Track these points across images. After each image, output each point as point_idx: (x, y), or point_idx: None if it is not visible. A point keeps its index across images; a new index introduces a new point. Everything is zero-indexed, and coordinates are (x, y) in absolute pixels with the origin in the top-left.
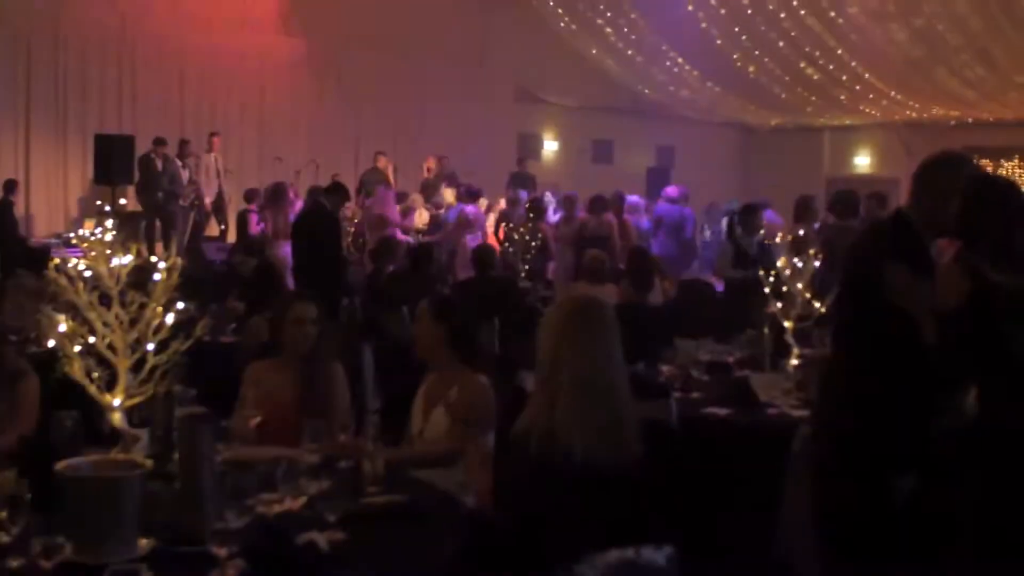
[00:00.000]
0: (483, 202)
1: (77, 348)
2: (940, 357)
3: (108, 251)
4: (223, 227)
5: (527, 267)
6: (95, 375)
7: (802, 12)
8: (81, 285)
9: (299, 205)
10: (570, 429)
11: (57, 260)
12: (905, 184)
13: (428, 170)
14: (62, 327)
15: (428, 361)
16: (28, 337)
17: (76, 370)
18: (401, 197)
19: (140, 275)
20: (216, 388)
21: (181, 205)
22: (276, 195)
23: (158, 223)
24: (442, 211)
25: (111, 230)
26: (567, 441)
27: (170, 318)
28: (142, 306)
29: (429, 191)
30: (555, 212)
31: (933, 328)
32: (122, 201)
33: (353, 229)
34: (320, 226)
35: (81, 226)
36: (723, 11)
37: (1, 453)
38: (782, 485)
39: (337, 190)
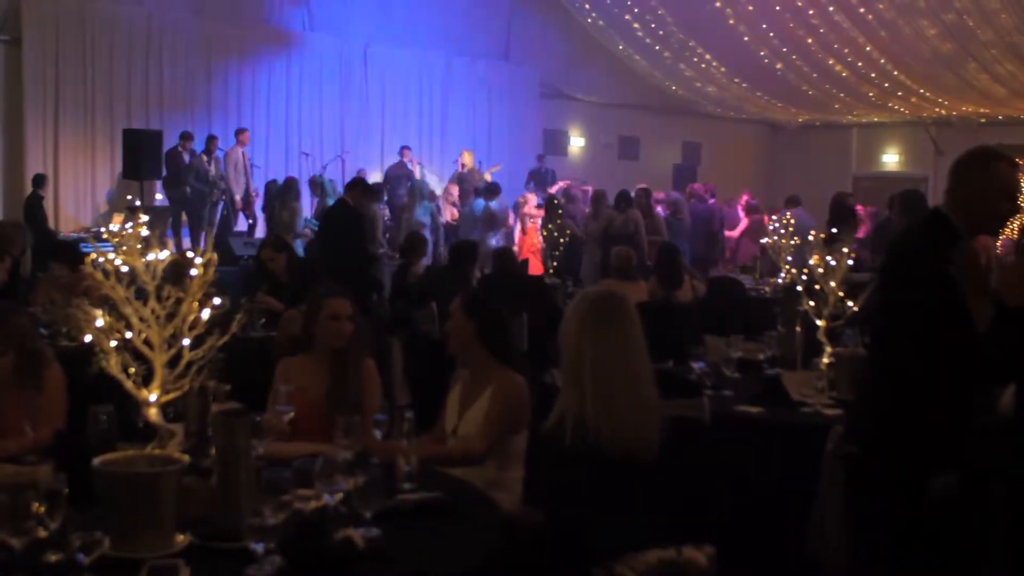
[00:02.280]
0: (531, 198)
1: (113, 343)
2: (992, 354)
3: (139, 246)
4: (251, 221)
5: (555, 264)
6: (131, 370)
7: (831, 8)
8: (113, 279)
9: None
10: (599, 417)
11: (95, 255)
12: (934, 182)
13: (463, 165)
14: (99, 322)
15: (461, 358)
16: (60, 331)
17: (113, 365)
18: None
19: (175, 270)
20: (246, 383)
21: (208, 200)
22: (286, 189)
23: (185, 217)
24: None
25: (144, 225)
26: (596, 429)
27: (206, 313)
28: (178, 301)
29: (463, 185)
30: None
31: (986, 321)
32: (159, 197)
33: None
34: (343, 222)
35: (109, 220)
36: (751, 7)
37: (38, 447)
38: (814, 484)
39: (359, 186)
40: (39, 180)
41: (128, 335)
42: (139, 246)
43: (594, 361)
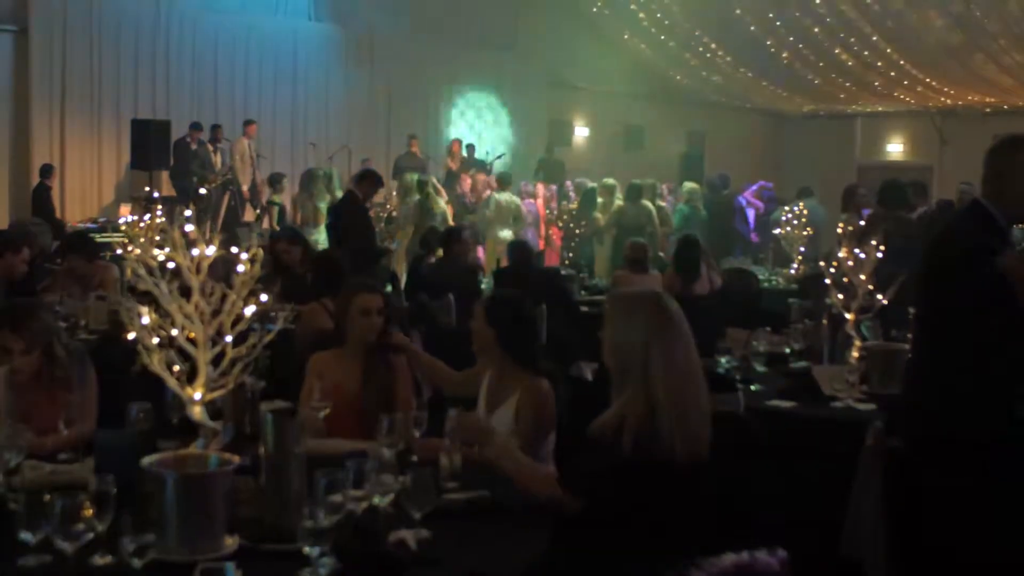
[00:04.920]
0: (539, 188)
1: (155, 340)
2: None
3: (156, 238)
4: (259, 211)
5: (570, 255)
6: (176, 368)
7: None
8: (132, 272)
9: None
10: (673, 427)
11: (137, 250)
12: (939, 171)
13: (452, 155)
14: (145, 319)
15: (485, 360)
16: (78, 323)
17: (156, 363)
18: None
19: (221, 266)
20: (266, 377)
21: (213, 190)
22: (307, 181)
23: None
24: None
25: (189, 220)
26: (670, 439)
27: (249, 310)
28: (222, 297)
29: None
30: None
31: None
32: (202, 191)
33: (385, 215)
34: (351, 214)
35: (117, 211)
36: None
37: (73, 445)
38: (850, 480)
39: (367, 177)
40: (46, 171)
41: (174, 332)
42: (157, 238)
43: (665, 370)
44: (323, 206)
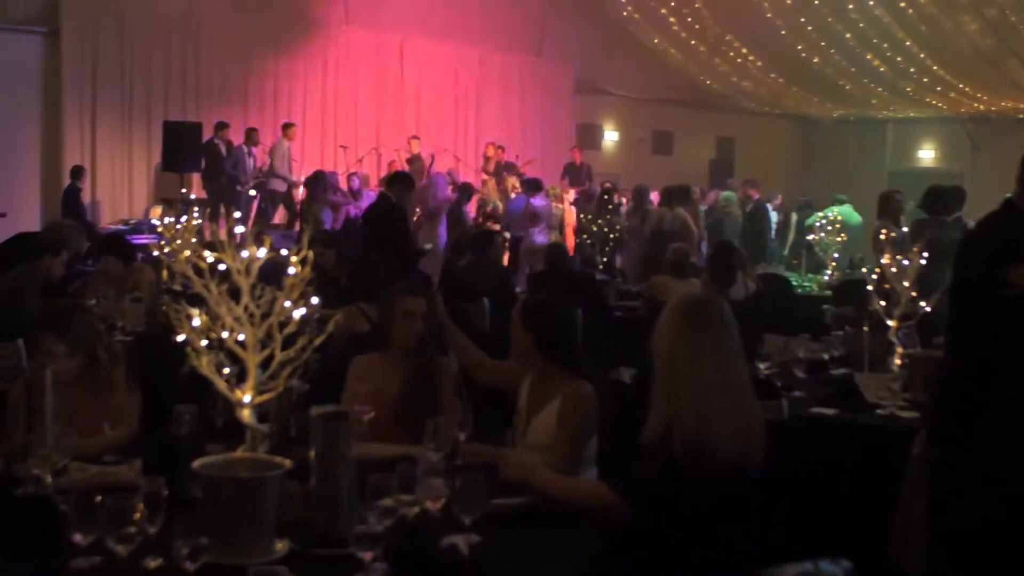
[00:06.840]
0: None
1: (204, 342)
2: None
3: (192, 238)
4: (290, 214)
5: (604, 260)
6: (226, 371)
7: (871, 2)
8: (172, 273)
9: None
10: (719, 430)
11: (186, 252)
12: (970, 178)
13: (485, 159)
14: (196, 321)
15: (525, 366)
16: (114, 325)
17: (205, 365)
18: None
19: (271, 268)
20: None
21: (246, 192)
22: (315, 183)
23: (222, 209)
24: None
25: (238, 222)
26: (718, 443)
27: (298, 313)
28: (272, 300)
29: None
30: None
31: None
32: (252, 192)
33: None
34: (386, 218)
35: (148, 213)
36: (789, 1)
37: (116, 446)
38: (895, 488)
39: (400, 180)
40: (77, 172)
41: (224, 335)
42: (192, 239)
43: (689, 373)
44: (315, 208)
